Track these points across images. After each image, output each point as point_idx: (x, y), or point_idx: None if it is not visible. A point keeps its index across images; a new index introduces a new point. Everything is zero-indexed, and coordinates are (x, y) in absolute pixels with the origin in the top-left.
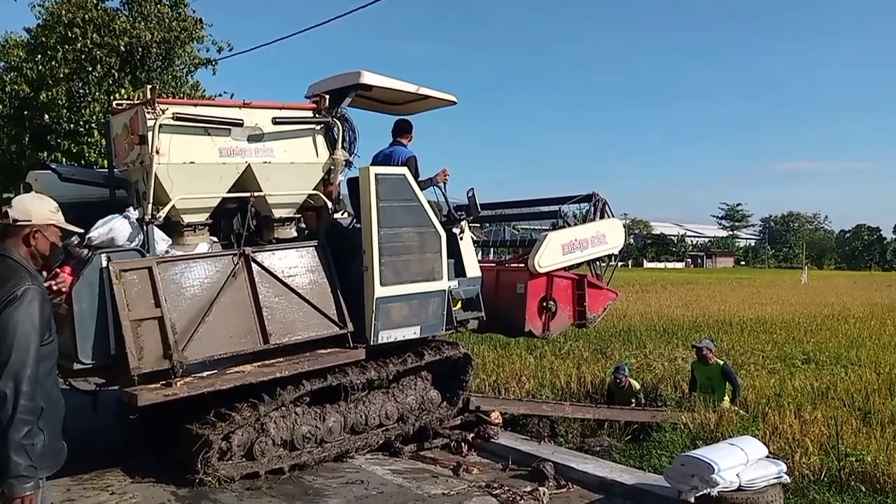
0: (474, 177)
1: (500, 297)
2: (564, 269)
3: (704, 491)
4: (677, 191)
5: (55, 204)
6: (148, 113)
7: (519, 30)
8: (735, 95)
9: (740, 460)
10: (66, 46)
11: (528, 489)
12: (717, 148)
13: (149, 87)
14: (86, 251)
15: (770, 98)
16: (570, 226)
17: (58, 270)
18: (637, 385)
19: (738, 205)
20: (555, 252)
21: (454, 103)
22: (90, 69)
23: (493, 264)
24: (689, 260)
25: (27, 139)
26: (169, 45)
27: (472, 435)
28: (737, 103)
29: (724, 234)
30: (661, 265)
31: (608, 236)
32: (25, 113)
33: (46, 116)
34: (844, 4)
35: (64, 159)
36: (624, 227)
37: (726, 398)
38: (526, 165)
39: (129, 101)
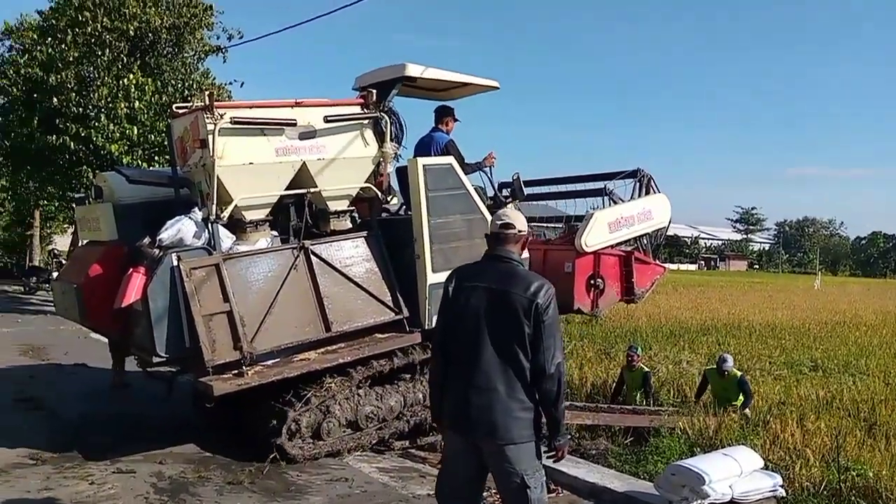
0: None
1: (548, 276)
2: (611, 246)
3: (695, 502)
4: (692, 192)
5: None
6: (207, 117)
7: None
8: (753, 96)
9: (733, 472)
10: (77, 30)
11: None
12: (734, 150)
13: (206, 92)
14: (157, 251)
15: (787, 99)
16: (615, 203)
17: (132, 270)
18: (646, 368)
19: (752, 208)
20: (601, 230)
21: (497, 88)
22: (99, 53)
23: (541, 244)
24: (703, 262)
25: (36, 122)
26: (178, 31)
27: None
28: (755, 104)
29: (738, 237)
30: (674, 266)
31: (654, 212)
32: (35, 96)
33: (55, 100)
34: (862, 6)
35: (72, 143)
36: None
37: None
38: (535, 165)
39: (185, 106)
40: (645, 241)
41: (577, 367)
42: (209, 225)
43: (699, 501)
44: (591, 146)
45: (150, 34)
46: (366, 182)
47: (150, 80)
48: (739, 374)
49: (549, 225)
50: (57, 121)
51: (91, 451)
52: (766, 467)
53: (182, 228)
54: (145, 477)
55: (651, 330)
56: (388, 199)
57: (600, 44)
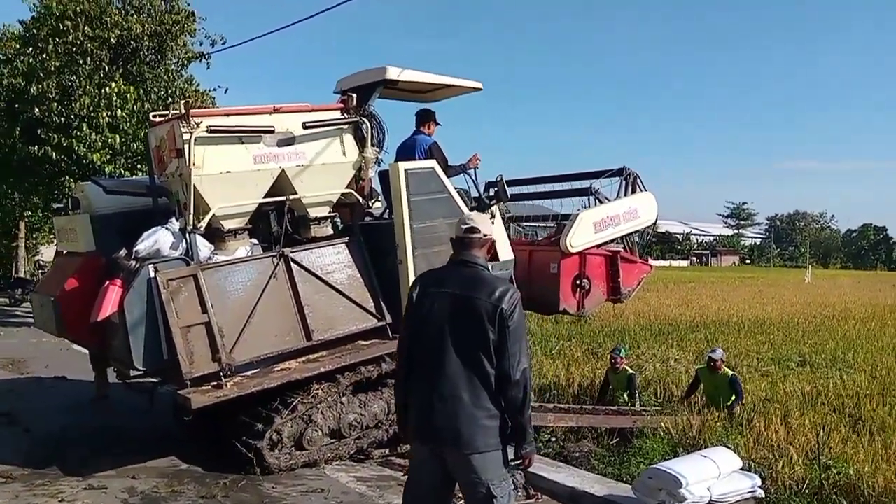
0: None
1: (533, 277)
2: (597, 246)
3: None
4: (682, 189)
5: None
6: (183, 126)
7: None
8: (741, 91)
9: (711, 473)
10: (58, 39)
11: None
12: (723, 146)
13: (182, 101)
14: (134, 263)
15: (776, 94)
16: (601, 202)
17: (108, 283)
18: (630, 370)
19: (743, 203)
20: (587, 231)
21: (479, 90)
22: (81, 62)
23: (526, 244)
24: (695, 258)
25: (17, 133)
26: (161, 38)
27: None
28: (743, 99)
29: (729, 232)
30: (666, 263)
31: (640, 210)
32: (17, 106)
33: (37, 110)
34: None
35: (54, 153)
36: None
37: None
38: (517, 161)
39: (162, 115)
40: (631, 240)
41: (564, 367)
42: (186, 235)
43: None
44: (582, 144)
45: (131, 42)
46: (347, 187)
47: (132, 88)
48: (731, 373)
49: (541, 224)
50: (39, 131)
51: (64, 466)
52: (746, 467)
53: (159, 239)
54: (117, 493)
55: (639, 328)
56: (371, 203)
57: (593, 42)
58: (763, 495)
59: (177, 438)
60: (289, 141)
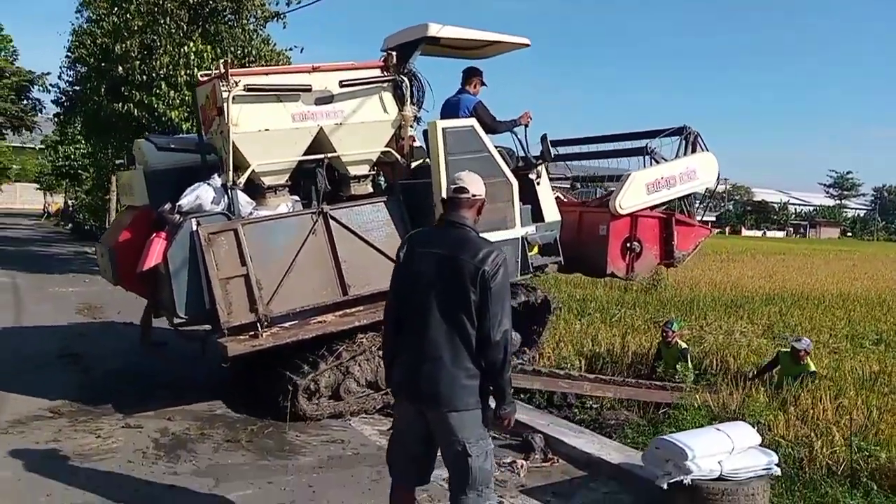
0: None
1: (582, 239)
2: (650, 207)
3: (678, 478)
4: (782, 155)
5: None
6: (223, 85)
7: None
8: (847, 51)
9: (724, 447)
10: None
11: (509, 460)
12: (829, 111)
13: (222, 61)
14: (177, 217)
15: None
16: (657, 163)
17: (154, 235)
18: (683, 345)
19: (847, 172)
20: (638, 192)
21: (528, 45)
22: (162, 21)
23: (577, 205)
24: (791, 229)
25: (103, 90)
26: None
27: None
28: (851, 59)
29: (831, 202)
30: (760, 233)
31: (699, 171)
32: (103, 65)
33: (120, 68)
34: None
35: (136, 110)
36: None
37: None
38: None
39: (208, 74)
40: (689, 201)
41: (621, 335)
42: (228, 191)
43: (682, 477)
44: (670, 106)
45: (210, 1)
46: (386, 146)
47: (209, 47)
48: (813, 367)
49: (598, 185)
50: (122, 88)
51: (109, 405)
52: (782, 445)
53: (201, 194)
54: (150, 432)
55: (710, 299)
56: (411, 162)
57: None
58: (779, 473)
59: (220, 385)
60: (327, 99)
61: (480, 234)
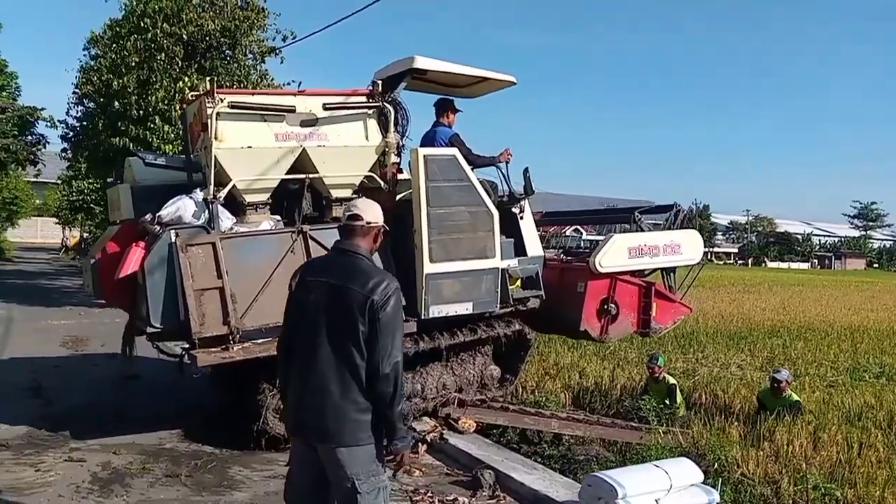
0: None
1: (562, 295)
2: (632, 273)
3: None
4: (806, 186)
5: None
6: (208, 102)
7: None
8: (874, 81)
9: (660, 485)
10: (138, 36)
11: (451, 498)
12: (852, 140)
13: (208, 79)
14: (157, 227)
15: None
16: (642, 231)
17: (133, 244)
18: (672, 380)
19: (872, 203)
20: (619, 254)
21: (514, 84)
22: (157, 57)
23: (559, 263)
24: (816, 260)
25: (101, 125)
26: (231, 34)
27: (431, 434)
28: (876, 90)
29: (855, 233)
30: (784, 265)
31: (684, 247)
32: (101, 100)
33: (117, 103)
34: None
35: (131, 144)
36: (703, 239)
37: None
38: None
39: (196, 93)
40: (673, 278)
41: (611, 368)
42: (209, 205)
43: None
44: (693, 138)
45: (205, 38)
46: (369, 171)
47: (207, 79)
48: (796, 398)
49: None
50: (119, 123)
51: (57, 439)
52: (752, 482)
53: (181, 206)
54: (92, 466)
55: (712, 331)
56: (396, 192)
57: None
58: None
59: (181, 417)
60: (311, 122)
61: (375, 264)
